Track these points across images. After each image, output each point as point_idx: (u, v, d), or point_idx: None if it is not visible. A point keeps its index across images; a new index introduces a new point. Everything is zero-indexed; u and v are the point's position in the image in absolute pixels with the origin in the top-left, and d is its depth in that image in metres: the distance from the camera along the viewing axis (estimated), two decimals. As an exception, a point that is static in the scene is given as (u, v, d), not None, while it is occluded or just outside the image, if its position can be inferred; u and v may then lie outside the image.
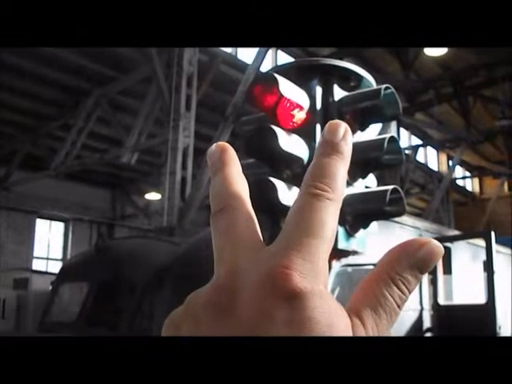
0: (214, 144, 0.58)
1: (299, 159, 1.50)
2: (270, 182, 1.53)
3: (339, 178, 0.51)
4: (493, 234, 7.76)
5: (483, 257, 8.09)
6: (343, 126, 0.53)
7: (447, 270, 8.46)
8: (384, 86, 1.51)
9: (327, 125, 0.54)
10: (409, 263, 0.50)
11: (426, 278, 8.04)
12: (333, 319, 0.46)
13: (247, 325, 0.46)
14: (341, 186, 0.51)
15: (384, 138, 1.55)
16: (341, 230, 1.50)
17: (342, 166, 0.51)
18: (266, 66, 11.84)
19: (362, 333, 0.48)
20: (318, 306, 0.45)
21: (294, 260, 0.46)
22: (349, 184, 1.59)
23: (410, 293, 0.50)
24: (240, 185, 0.55)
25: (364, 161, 1.60)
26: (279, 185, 1.54)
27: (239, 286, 0.48)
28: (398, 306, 0.49)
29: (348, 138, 0.53)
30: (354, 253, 1.55)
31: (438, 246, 0.51)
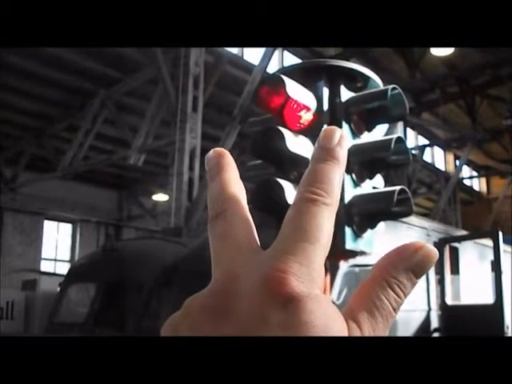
0: (212, 150, 0.58)
1: (306, 160, 1.51)
2: (277, 182, 1.53)
3: (335, 183, 0.51)
4: (500, 233, 7.73)
5: (491, 256, 8.06)
6: (338, 132, 0.54)
7: (455, 269, 8.43)
8: (391, 86, 1.51)
9: (322, 130, 0.55)
10: (404, 267, 0.51)
11: (433, 279, 8.03)
12: (329, 323, 0.46)
13: (243, 328, 0.46)
14: (337, 191, 0.51)
15: (391, 139, 1.54)
16: (348, 230, 1.50)
17: (337, 171, 0.52)
18: (272, 67, 11.84)
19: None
20: (315, 309, 0.46)
21: (291, 264, 0.47)
22: (356, 185, 1.59)
23: (405, 296, 0.51)
24: (237, 189, 0.55)
25: (371, 161, 1.60)
26: (286, 185, 1.53)
27: (236, 289, 0.48)
28: (394, 310, 0.50)
29: (343, 143, 0.54)
30: (362, 253, 1.55)
31: (433, 250, 0.52)
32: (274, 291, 0.46)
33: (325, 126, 1.67)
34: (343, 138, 0.54)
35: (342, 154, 0.53)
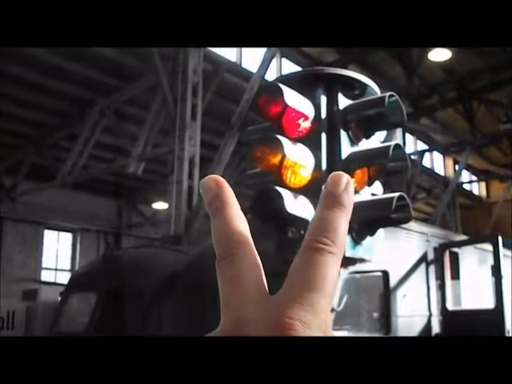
0: (208, 177, 0.58)
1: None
2: (276, 191, 1.54)
3: (341, 232, 0.53)
4: (500, 238, 7.72)
5: (491, 261, 8.06)
6: (345, 178, 0.55)
7: (455, 275, 8.42)
8: (388, 93, 1.51)
9: (330, 176, 0.56)
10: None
11: (434, 284, 8.02)
12: None
13: None
14: (342, 239, 0.53)
15: (389, 146, 1.55)
16: (348, 237, 1.51)
17: (343, 219, 0.54)
18: (270, 75, 11.85)
19: None
20: None
21: (297, 311, 0.49)
22: (355, 192, 1.59)
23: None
24: (243, 228, 0.56)
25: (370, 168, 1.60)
26: (285, 194, 1.54)
27: (243, 334, 0.50)
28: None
29: (350, 189, 0.55)
30: (361, 260, 1.55)
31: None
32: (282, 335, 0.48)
33: (323, 134, 1.68)
34: (350, 184, 0.55)
35: (349, 201, 0.55)
